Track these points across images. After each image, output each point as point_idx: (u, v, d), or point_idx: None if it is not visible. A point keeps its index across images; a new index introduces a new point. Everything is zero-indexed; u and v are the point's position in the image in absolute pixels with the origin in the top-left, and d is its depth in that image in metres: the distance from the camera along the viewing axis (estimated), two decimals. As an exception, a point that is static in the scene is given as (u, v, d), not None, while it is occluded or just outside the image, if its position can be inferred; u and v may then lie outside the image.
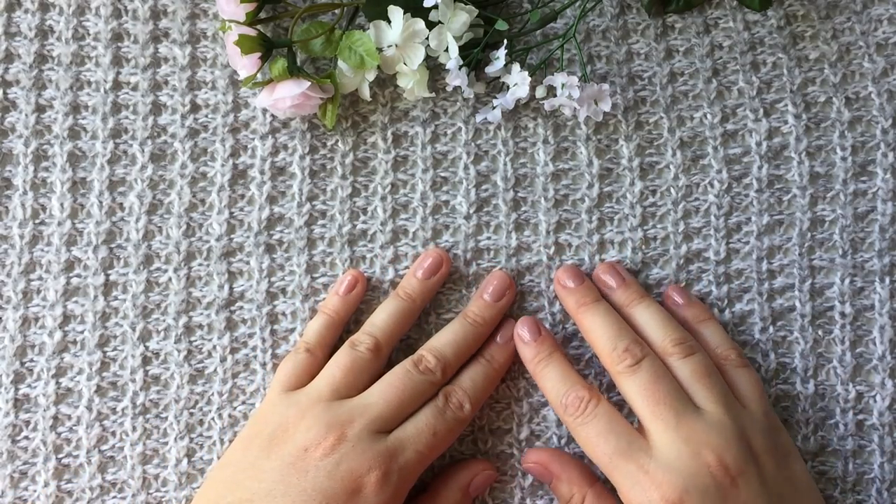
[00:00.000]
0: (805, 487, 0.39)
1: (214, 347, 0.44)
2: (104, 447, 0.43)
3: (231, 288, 0.44)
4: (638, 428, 0.39)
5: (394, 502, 0.37)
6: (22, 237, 0.43)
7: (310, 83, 0.41)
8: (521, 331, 0.42)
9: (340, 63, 0.43)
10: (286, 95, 0.41)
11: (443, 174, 0.45)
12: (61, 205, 0.44)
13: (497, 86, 0.45)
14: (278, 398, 0.40)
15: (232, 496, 0.37)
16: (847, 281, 0.45)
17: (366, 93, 0.43)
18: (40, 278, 0.43)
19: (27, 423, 0.43)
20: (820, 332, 0.44)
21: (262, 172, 0.44)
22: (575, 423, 0.39)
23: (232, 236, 0.44)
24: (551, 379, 0.41)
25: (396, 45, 0.42)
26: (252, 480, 0.37)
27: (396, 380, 0.40)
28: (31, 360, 0.43)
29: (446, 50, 0.42)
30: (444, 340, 0.42)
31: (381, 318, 0.42)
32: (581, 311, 0.42)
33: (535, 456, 0.42)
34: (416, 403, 0.40)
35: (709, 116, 0.45)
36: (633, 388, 0.39)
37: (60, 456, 0.43)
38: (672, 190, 0.45)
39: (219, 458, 0.43)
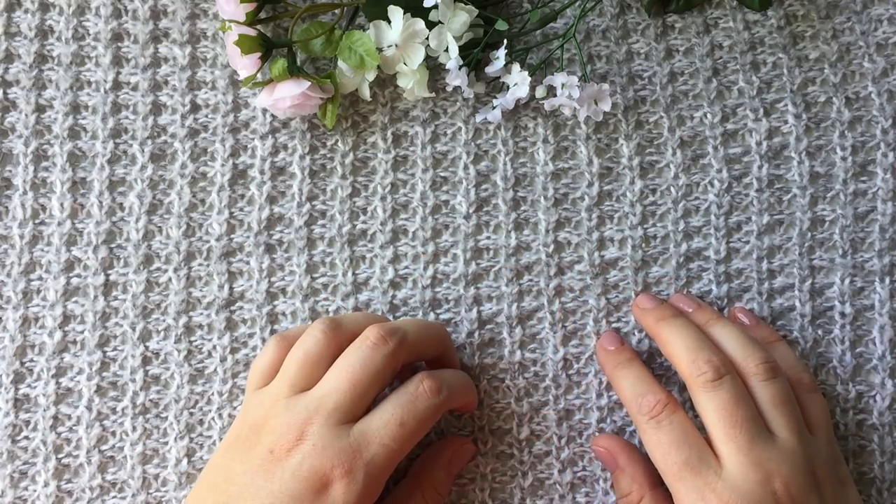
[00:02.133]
0: None
1: (214, 347, 0.44)
2: (104, 447, 0.43)
3: (231, 288, 0.44)
4: (706, 440, 0.38)
5: (365, 500, 0.36)
6: (22, 237, 0.43)
7: (310, 83, 0.41)
8: (604, 342, 0.43)
9: (340, 63, 0.43)
10: (286, 95, 0.41)
11: (443, 174, 0.45)
12: (61, 205, 0.44)
13: (497, 86, 0.45)
14: (248, 397, 0.40)
15: (211, 499, 0.37)
16: (847, 281, 0.45)
17: (366, 93, 0.43)
18: (40, 278, 0.43)
19: (27, 423, 0.43)
20: (820, 332, 0.44)
21: (262, 172, 0.44)
22: (648, 425, 0.38)
23: (232, 236, 0.44)
24: (629, 379, 0.40)
25: (396, 45, 0.42)
26: (227, 483, 0.37)
27: (346, 363, 0.38)
28: (31, 360, 0.43)
29: (446, 50, 0.42)
30: (404, 319, 0.40)
31: (353, 314, 0.41)
32: (660, 325, 0.41)
33: (606, 442, 0.42)
34: (375, 384, 0.37)
35: (709, 116, 0.45)
36: (710, 405, 0.37)
37: (60, 456, 0.43)
38: (672, 189, 0.45)
39: (219, 458, 0.43)
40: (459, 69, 0.42)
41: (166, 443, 0.43)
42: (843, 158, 0.45)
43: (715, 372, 0.38)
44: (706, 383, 0.38)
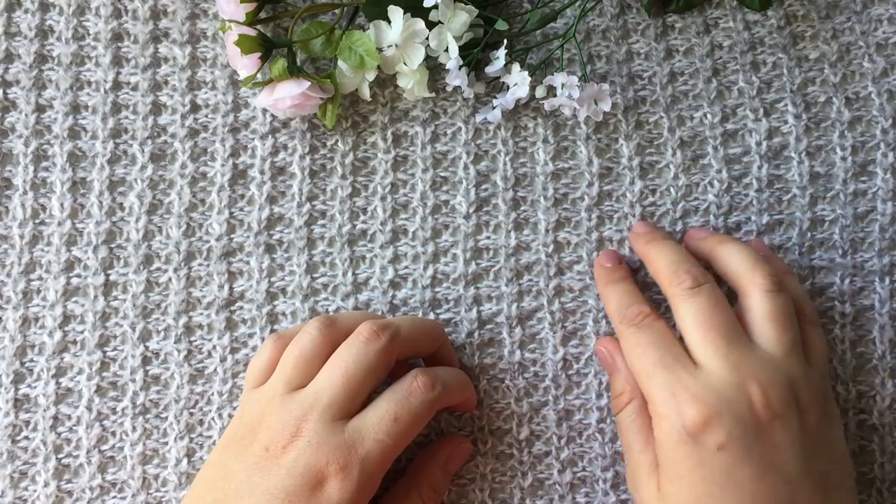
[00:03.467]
0: (840, 456, 0.37)
1: (214, 347, 0.44)
2: (104, 447, 0.43)
3: (231, 288, 0.44)
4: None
5: (361, 496, 0.36)
6: (22, 237, 0.43)
7: (310, 83, 0.41)
8: (602, 258, 0.43)
9: (340, 63, 0.43)
10: (286, 95, 0.41)
11: (443, 174, 0.45)
12: (61, 205, 0.44)
13: (497, 86, 0.45)
14: (245, 396, 0.40)
15: (208, 496, 0.37)
16: (847, 281, 0.45)
17: (366, 93, 0.43)
18: (40, 278, 0.43)
19: (27, 423, 0.43)
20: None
21: (262, 172, 0.44)
22: (628, 330, 0.39)
23: (232, 236, 0.44)
24: (618, 293, 0.41)
25: (396, 45, 0.42)
26: (224, 481, 0.37)
27: (339, 360, 0.38)
28: (31, 360, 0.43)
29: (446, 50, 0.42)
30: (399, 316, 0.40)
31: (349, 312, 0.41)
32: (648, 246, 0.42)
33: (607, 343, 0.42)
34: (369, 380, 0.38)
35: (709, 116, 0.45)
36: (688, 312, 0.38)
37: (60, 456, 0.43)
38: (672, 189, 0.45)
39: (218, 457, 0.43)
40: (459, 69, 0.42)
41: (166, 443, 0.43)
42: (843, 158, 0.45)
43: (693, 280, 0.38)
44: (684, 291, 0.38)
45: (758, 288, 0.38)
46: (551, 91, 0.44)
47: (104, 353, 0.43)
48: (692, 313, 0.37)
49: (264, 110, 0.45)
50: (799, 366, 0.37)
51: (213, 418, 0.43)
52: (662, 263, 0.40)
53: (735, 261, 0.40)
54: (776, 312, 0.38)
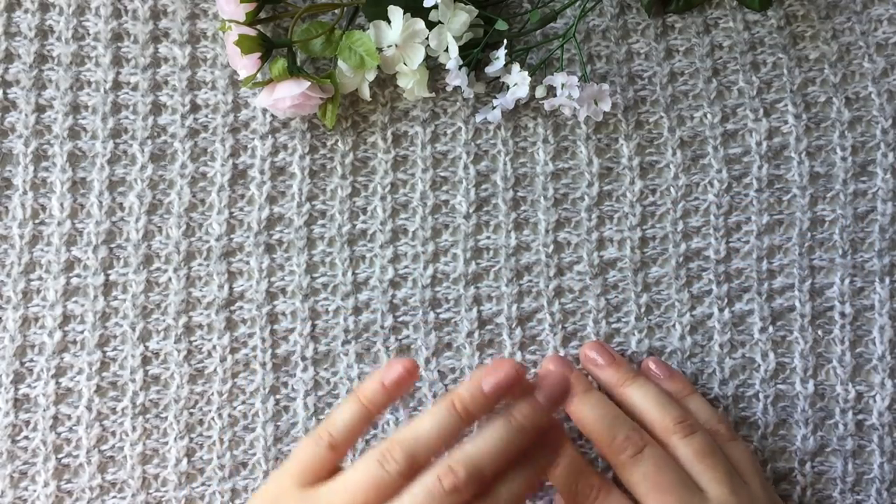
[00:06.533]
0: None
1: (214, 347, 0.44)
2: (104, 447, 0.43)
3: (231, 288, 0.44)
4: None
5: None
6: (22, 237, 0.43)
7: (310, 83, 0.41)
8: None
9: (340, 63, 0.43)
10: (286, 95, 0.41)
11: (442, 174, 0.45)
12: (61, 205, 0.44)
13: (497, 86, 0.45)
14: (289, 493, 0.35)
15: None
16: (847, 281, 0.45)
17: (366, 93, 0.43)
18: (40, 278, 0.43)
19: (27, 423, 0.43)
20: (820, 332, 0.44)
21: (262, 172, 0.44)
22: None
23: (232, 236, 0.44)
24: (562, 466, 0.39)
25: (396, 45, 0.42)
26: None
27: (354, 483, 0.33)
28: (31, 360, 0.43)
29: (446, 50, 0.42)
30: (418, 430, 0.34)
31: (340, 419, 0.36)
32: (572, 401, 0.41)
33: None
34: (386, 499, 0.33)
35: (709, 116, 0.45)
36: (637, 479, 0.38)
37: (60, 456, 0.43)
38: (672, 189, 0.45)
39: (218, 458, 0.43)
40: (459, 69, 0.42)
41: (166, 443, 0.43)
42: (843, 158, 0.45)
43: (634, 447, 0.38)
44: (628, 459, 0.38)
45: (676, 437, 0.39)
46: (551, 91, 0.44)
47: (104, 353, 0.43)
48: (641, 480, 0.38)
49: (264, 110, 0.45)
50: (743, 494, 0.38)
51: (212, 418, 0.43)
52: (595, 428, 0.40)
53: (643, 408, 0.40)
54: (701, 453, 0.39)
